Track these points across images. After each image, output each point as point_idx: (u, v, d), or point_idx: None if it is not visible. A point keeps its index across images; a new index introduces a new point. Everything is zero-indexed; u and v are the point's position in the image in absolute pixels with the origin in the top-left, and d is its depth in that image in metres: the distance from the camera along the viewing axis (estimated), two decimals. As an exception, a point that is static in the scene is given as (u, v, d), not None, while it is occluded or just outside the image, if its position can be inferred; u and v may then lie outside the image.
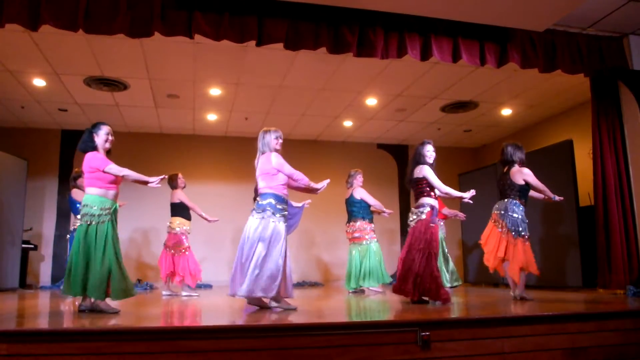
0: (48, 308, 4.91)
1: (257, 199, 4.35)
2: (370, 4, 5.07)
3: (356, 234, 6.78)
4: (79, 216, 6.22)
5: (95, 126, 4.13)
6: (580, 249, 6.82)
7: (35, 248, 8.56)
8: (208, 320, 3.90)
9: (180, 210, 6.52)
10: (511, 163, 5.27)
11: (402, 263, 4.64)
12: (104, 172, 3.98)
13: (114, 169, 4.00)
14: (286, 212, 4.33)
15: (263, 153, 4.41)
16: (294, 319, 3.56)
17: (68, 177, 9.06)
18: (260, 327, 3.10)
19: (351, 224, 6.88)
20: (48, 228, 8.96)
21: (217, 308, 4.74)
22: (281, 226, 4.21)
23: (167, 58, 6.36)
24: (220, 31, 4.91)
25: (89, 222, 3.92)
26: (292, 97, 7.74)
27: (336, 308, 4.19)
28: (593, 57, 6.02)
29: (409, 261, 4.55)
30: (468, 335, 3.15)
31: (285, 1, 4.95)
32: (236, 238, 9.18)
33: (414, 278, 4.49)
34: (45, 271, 8.85)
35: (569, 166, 7.02)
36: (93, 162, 3.99)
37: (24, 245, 8.11)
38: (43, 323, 3.56)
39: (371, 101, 8.00)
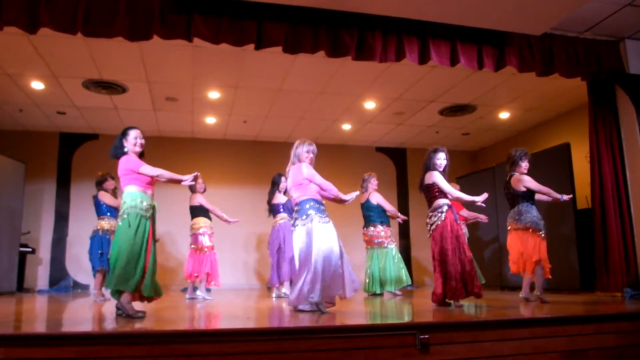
0: (46, 312, 4.89)
1: (296, 207, 4.36)
2: (369, 7, 5.09)
3: (374, 239, 6.72)
4: (103, 218, 6.28)
5: (125, 132, 4.19)
6: (578, 251, 6.84)
7: (33, 251, 8.54)
8: (209, 323, 3.90)
9: (200, 212, 6.51)
10: (511, 171, 5.30)
11: (439, 270, 4.60)
12: (138, 173, 4.02)
13: (148, 169, 4.04)
14: (325, 212, 4.36)
15: (294, 164, 4.45)
16: (293, 322, 3.56)
17: (66, 180, 9.11)
18: (260, 330, 3.09)
19: (369, 228, 6.80)
20: (46, 231, 8.94)
21: (219, 311, 4.74)
22: (330, 225, 4.27)
23: (166, 61, 6.37)
24: (219, 34, 4.92)
25: (131, 214, 3.92)
26: (291, 100, 7.75)
27: (336, 311, 4.19)
28: (590, 60, 6.05)
29: (446, 266, 4.52)
30: (467, 338, 3.15)
31: (284, 5, 4.96)
32: (235, 240, 9.24)
33: (457, 281, 4.47)
34: (42, 275, 8.82)
35: (567, 169, 7.05)
36: (127, 164, 4.05)
37: (21, 249, 8.08)
38: (41, 327, 3.55)
39: (370, 104, 8.01)
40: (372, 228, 6.76)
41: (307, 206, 4.28)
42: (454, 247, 4.54)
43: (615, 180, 5.98)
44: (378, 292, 6.63)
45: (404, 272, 6.67)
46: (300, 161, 4.41)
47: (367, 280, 6.75)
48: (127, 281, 3.84)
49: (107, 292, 6.21)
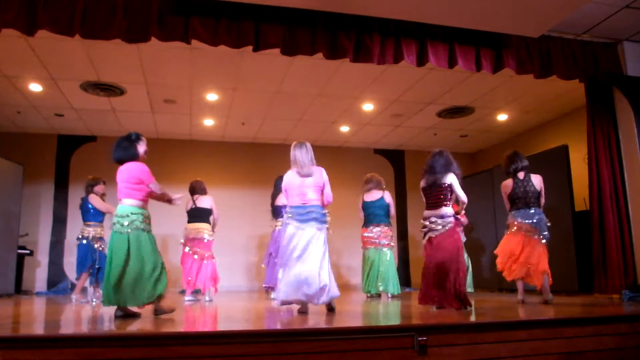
0: (44, 314, 4.88)
1: (312, 209, 4.35)
2: (367, 9, 5.10)
3: (382, 240, 6.67)
4: (89, 224, 6.28)
5: (138, 136, 4.22)
6: (576, 253, 6.85)
7: (31, 253, 8.52)
8: (206, 325, 3.89)
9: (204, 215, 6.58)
10: (526, 169, 5.27)
11: (435, 273, 4.58)
12: (147, 186, 4.07)
13: (157, 187, 4.13)
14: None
15: (313, 164, 4.47)
16: (291, 324, 3.55)
17: (64, 182, 9.08)
18: (257, 332, 3.09)
19: (370, 228, 6.73)
20: (44, 234, 8.92)
21: (217, 313, 4.73)
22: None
23: (164, 63, 6.37)
24: (217, 36, 4.93)
25: (130, 231, 3.93)
26: (289, 102, 7.76)
27: (335, 313, 4.19)
28: (588, 63, 6.07)
29: (443, 272, 4.52)
30: (465, 340, 3.14)
31: (281, 7, 4.97)
32: (235, 242, 9.22)
33: (451, 288, 4.47)
34: (40, 277, 8.81)
35: (565, 171, 7.06)
36: (141, 174, 4.05)
37: (19, 251, 8.07)
38: (39, 329, 3.54)
39: (368, 106, 8.02)
40: (376, 227, 6.70)
41: (322, 212, 4.39)
42: (455, 258, 4.53)
43: (613, 182, 5.99)
44: (377, 292, 6.60)
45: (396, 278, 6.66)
46: (314, 164, 4.46)
47: (370, 281, 6.69)
48: (160, 292, 3.98)
49: (92, 295, 6.20)
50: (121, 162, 4.11)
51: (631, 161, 5.98)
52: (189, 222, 6.53)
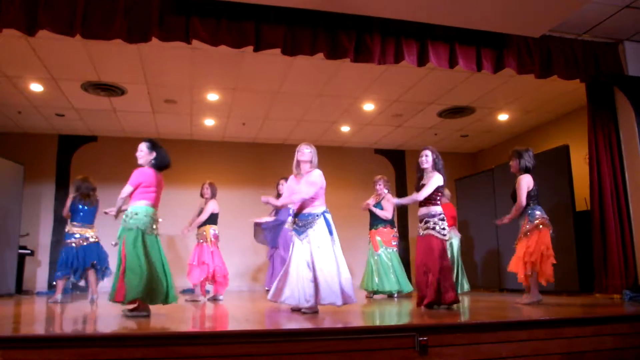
0: (44, 314, 4.89)
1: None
2: (368, 9, 5.10)
3: (394, 240, 6.84)
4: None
5: None
6: (576, 253, 6.84)
7: (32, 253, 8.52)
8: (208, 325, 3.89)
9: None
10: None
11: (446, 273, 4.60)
12: None
13: None
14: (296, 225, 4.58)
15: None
16: (292, 324, 3.55)
17: (65, 182, 9.07)
18: (258, 332, 3.08)
19: (395, 229, 6.95)
20: (44, 234, 8.92)
21: (218, 313, 4.73)
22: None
23: (164, 63, 6.37)
24: (217, 36, 4.93)
25: (157, 233, 4.26)
26: (290, 102, 7.75)
27: (336, 312, 4.19)
28: (588, 63, 6.06)
29: (446, 270, 4.60)
30: (466, 340, 3.14)
31: (282, 7, 4.97)
32: (232, 242, 9.20)
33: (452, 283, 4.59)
34: (41, 277, 8.81)
35: (566, 171, 7.05)
36: None
37: (20, 251, 8.07)
38: (39, 329, 3.55)
39: (368, 106, 8.02)
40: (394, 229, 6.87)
41: None
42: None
43: (614, 182, 5.99)
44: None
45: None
46: None
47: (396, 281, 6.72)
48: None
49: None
50: (159, 168, 4.38)
51: (632, 161, 5.98)
52: (215, 223, 6.73)
